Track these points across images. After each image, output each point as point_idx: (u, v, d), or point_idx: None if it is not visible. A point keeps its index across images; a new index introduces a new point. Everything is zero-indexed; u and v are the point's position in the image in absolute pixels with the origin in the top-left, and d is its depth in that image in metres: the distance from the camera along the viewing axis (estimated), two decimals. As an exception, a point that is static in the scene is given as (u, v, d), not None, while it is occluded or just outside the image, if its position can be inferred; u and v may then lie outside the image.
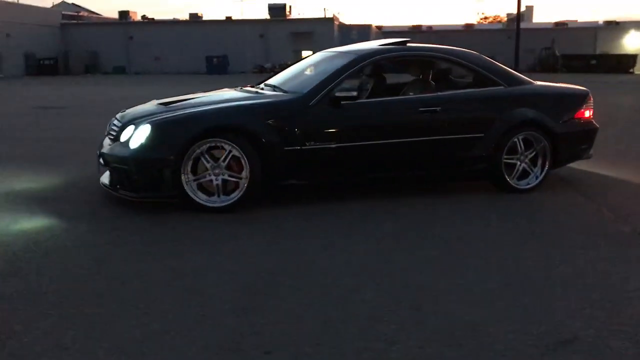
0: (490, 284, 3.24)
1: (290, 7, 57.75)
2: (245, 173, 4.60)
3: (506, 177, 5.44)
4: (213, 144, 4.58)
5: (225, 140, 4.55)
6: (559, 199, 5.36)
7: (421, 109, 5.18)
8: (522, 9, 41.19)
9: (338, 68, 5.16)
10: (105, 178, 4.98)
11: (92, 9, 74.46)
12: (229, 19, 54.93)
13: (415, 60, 5.82)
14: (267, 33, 52.35)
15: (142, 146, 4.56)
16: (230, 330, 2.64)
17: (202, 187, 4.63)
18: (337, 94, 4.88)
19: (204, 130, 4.54)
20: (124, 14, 58.84)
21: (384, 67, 6.07)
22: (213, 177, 4.60)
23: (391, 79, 6.24)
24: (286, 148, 4.73)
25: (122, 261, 3.57)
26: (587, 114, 5.89)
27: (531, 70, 42.32)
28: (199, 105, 4.97)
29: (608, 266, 3.57)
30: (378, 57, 5.42)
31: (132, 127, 4.70)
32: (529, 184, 5.54)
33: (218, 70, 46.94)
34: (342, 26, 48.86)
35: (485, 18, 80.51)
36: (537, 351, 2.48)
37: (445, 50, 5.77)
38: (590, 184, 5.99)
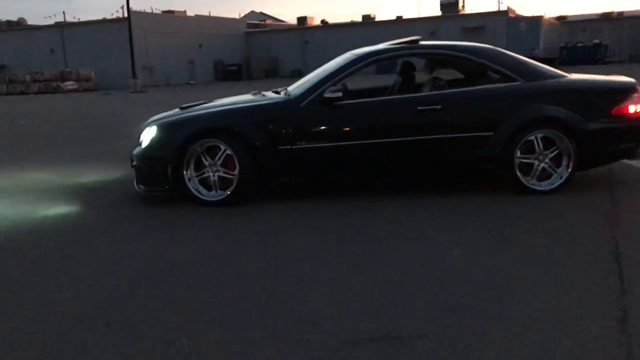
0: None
1: (463, 1, 56.43)
2: (236, 171, 5.01)
3: (520, 177, 5.12)
4: (211, 144, 5.04)
5: (218, 141, 5.00)
6: (579, 202, 4.94)
7: (420, 107, 5.13)
8: None
9: (332, 70, 5.34)
10: None
11: (279, 17, 79.50)
12: (399, 18, 55.30)
13: (423, 59, 5.74)
14: (438, 30, 51.70)
15: (148, 145, 5.17)
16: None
17: (204, 183, 5.12)
18: (327, 95, 5.05)
19: (198, 131, 5.01)
20: (302, 20, 62.27)
21: (391, 66, 6.02)
22: (210, 174, 5.06)
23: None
24: (278, 147, 5.04)
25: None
26: (633, 108, 5.29)
27: None
28: (206, 109, 5.46)
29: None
30: (373, 58, 5.42)
31: (147, 128, 5.37)
32: (552, 184, 5.17)
33: (387, 70, 47.54)
34: (510, 19, 46.43)
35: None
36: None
37: (453, 47, 5.55)
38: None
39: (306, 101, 5.11)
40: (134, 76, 33.67)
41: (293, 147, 5.04)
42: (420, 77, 6.03)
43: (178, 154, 4.98)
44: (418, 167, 5.26)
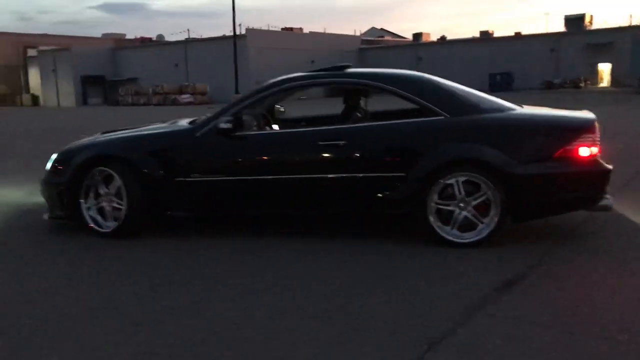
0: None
1: (591, 16, 52.69)
2: (124, 201, 4.80)
3: (434, 225, 4.46)
4: (108, 173, 4.88)
5: (110, 169, 4.81)
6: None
7: (320, 142, 4.63)
8: None
9: (237, 99, 4.96)
10: None
11: (401, 34, 79.02)
12: (517, 34, 52.71)
13: (342, 88, 5.19)
14: (558, 47, 48.73)
15: (48, 171, 5.12)
16: None
17: (103, 212, 4.95)
18: (221, 126, 4.70)
19: (89, 159, 4.84)
20: (417, 36, 61.43)
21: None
22: (105, 204, 4.91)
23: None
24: (172, 179, 4.77)
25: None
26: (584, 151, 4.42)
27: None
28: (109, 136, 5.28)
29: None
30: (280, 87, 4.95)
31: (53, 154, 5.28)
32: (475, 237, 4.43)
33: (501, 87, 45.54)
34: (636, 34, 42.44)
35: None
36: None
37: (374, 76, 4.97)
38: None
39: (202, 131, 4.81)
40: (237, 92, 34.87)
41: (187, 179, 4.76)
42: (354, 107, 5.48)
43: (71, 181, 4.87)
44: (320, 209, 4.75)
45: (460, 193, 4.42)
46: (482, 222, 4.43)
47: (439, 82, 4.87)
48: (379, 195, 4.54)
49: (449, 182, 4.42)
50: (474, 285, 3.67)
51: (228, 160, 4.80)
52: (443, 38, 61.76)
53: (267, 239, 4.77)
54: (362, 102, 5.21)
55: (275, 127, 5.58)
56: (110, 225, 4.87)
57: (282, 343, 2.93)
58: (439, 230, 4.46)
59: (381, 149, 4.61)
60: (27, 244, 4.87)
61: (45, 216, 5.15)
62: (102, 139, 5.24)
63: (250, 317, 3.26)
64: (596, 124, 4.53)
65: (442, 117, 4.56)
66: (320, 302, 3.44)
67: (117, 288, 3.77)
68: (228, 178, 4.75)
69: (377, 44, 62.07)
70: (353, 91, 5.17)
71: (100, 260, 4.38)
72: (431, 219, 4.45)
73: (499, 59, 49.30)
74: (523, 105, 5.10)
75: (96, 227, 4.88)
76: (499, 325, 3.09)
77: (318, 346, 2.89)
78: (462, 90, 4.93)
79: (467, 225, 4.45)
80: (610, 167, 4.55)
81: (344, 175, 4.58)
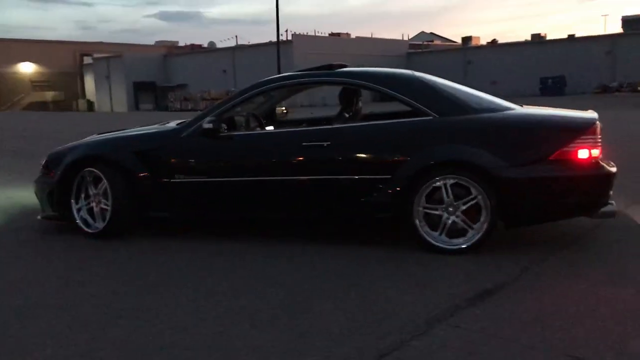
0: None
1: (651, 16, 50.63)
2: (109, 202, 4.76)
3: (420, 230, 4.24)
4: (96, 173, 4.85)
5: (97, 170, 4.79)
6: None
7: (304, 143, 4.47)
8: None
9: (222, 100, 4.87)
10: None
11: (451, 38, 77.90)
12: (571, 37, 51.05)
13: (336, 88, 5.00)
14: (616, 49, 46.89)
15: (41, 172, 5.17)
16: None
17: (92, 213, 4.92)
18: (205, 126, 4.60)
19: (76, 160, 4.84)
20: (466, 40, 60.37)
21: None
22: (93, 205, 4.89)
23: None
24: (157, 180, 4.71)
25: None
26: (583, 153, 4.12)
27: None
28: (102, 137, 5.26)
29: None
30: (265, 87, 4.80)
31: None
32: (464, 243, 4.19)
33: (553, 91, 44.25)
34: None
35: None
36: None
37: (361, 75, 4.77)
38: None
39: (187, 132, 4.74)
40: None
41: (172, 180, 4.70)
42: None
43: (61, 182, 4.88)
44: (304, 212, 4.60)
45: (448, 197, 4.19)
46: (472, 228, 4.19)
47: (431, 82, 4.65)
48: (363, 198, 4.36)
49: (436, 185, 4.20)
50: (448, 294, 3.45)
51: (211, 161, 4.72)
52: (494, 41, 60.41)
53: (246, 242, 4.65)
54: (354, 103, 5.03)
55: (270, 128, 5.47)
56: (99, 226, 4.85)
57: (223, 348, 2.80)
58: (425, 236, 4.24)
59: (366, 150, 4.43)
60: (13, 243, 4.90)
61: (39, 216, 5.18)
62: (91, 139, 5.24)
63: (202, 320, 3.15)
64: (597, 125, 4.23)
65: (431, 118, 4.35)
66: (274, 308, 3.30)
67: (75, 289, 3.73)
68: (211, 179, 4.66)
69: (425, 49, 61.26)
70: (344, 91, 5.00)
71: (75, 260, 4.37)
72: (417, 223, 4.24)
73: (552, 62, 47.84)
74: (523, 105, 4.82)
75: (84, 228, 4.87)
76: (458, 338, 2.88)
77: (258, 353, 2.74)
78: (456, 90, 4.70)
79: (456, 231, 4.22)
80: (613, 170, 4.24)
81: (328, 177, 4.42)
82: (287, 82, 4.95)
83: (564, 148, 4.12)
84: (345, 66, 4.99)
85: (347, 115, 4.92)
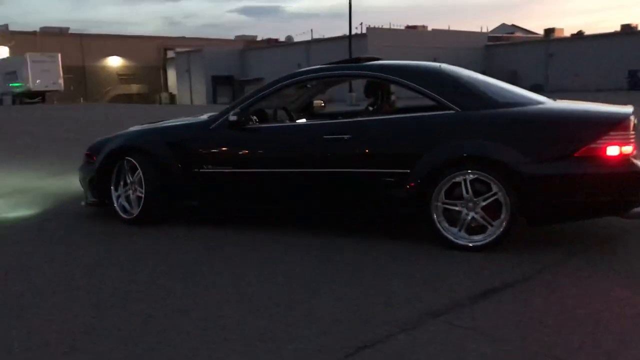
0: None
1: None
2: (143, 190, 4.97)
3: (438, 226, 4.18)
4: (132, 163, 5.08)
5: (133, 159, 5.02)
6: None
7: (326, 136, 4.50)
8: None
9: (249, 92, 4.96)
10: None
11: (534, 30, 75.01)
12: (664, 27, 47.91)
13: (363, 81, 4.96)
14: None
15: (84, 160, 5.47)
16: None
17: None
18: (230, 118, 4.73)
19: (114, 150, 5.11)
20: (548, 32, 57.95)
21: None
22: (130, 192, 5.14)
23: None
24: (187, 170, 4.89)
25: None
26: (612, 150, 3.92)
27: None
28: (141, 128, 5.50)
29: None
30: (290, 80, 4.84)
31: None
32: (483, 240, 4.10)
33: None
34: None
35: None
36: None
37: (387, 68, 4.72)
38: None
39: (216, 124, 4.89)
40: (350, 90, 34.97)
41: (201, 170, 4.86)
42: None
43: (101, 170, 5.16)
44: (323, 206, 4.64)
45: (467, 193, 4.12)
46: (491, 225, 4.09)
47: (455, 75, 4.57)
48: (383, 193, 4.35)
49: (456, 180, 4.14)
50: (452, 291, 3.41)
51: (237, 153, 4.85)
52: (580, 33, 57.64)
53: (266, 233, 4.73)
54: (380, 96, 5.01)
55: (303, 121, 5.54)
56: (135, 212, 5.10)
57: (217, 332, 2.90)
58: (443, 232, 4.19)
59: (386, 144, 4.41)
60: (56, 227, 5.22)
61: (83, 202, 5.50)
62: (132, 130, 5.50)
63: (196, 303, 3.28)
64: (630, 120, 4.01)
65: (453, 112, 4.27)
66: (266, 297, 3.39)
67: (98, 271, 3.95)
68: (236, 170, 4.79)
69: (505, 41, 59.31)
70: (369, 85, 4.98)
71: (106, 245, 4.61)
72: (435, 219, 4.19)
73: (643, 54, 45.14)
74: (556, 100, 4.64)
75: (121, 214, 5.12)
76: (447, 334, 2.85)
77: (240, 341, 2.83)
78: (482, 83, 4.60)
79: (476, 228, 4.14)
80: None
81: (348, 170, 4.44)
82: (312, 75, 4.99)
83: (591, 144, 3.95)
84: (376, 59, 4.97)
85: (371, 109, 4.91)
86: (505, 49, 55.57)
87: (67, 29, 63.81)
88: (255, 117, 4.82)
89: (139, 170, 4.96)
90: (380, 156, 4.40)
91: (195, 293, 3.49)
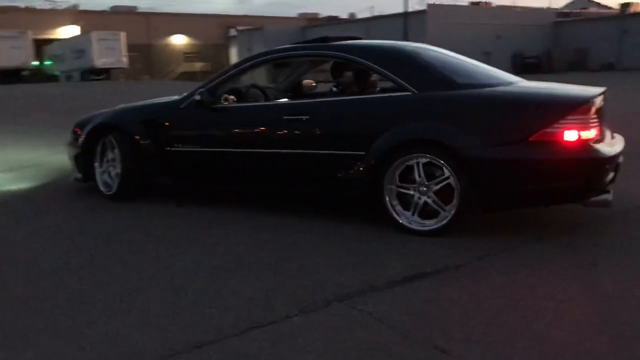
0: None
1: None
2: (119, 167, 5.12)
3: (391, 210, 4.11)
4: (112, 140, 5.22)
5: (111, 137, 5.18)
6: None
7: (285, 117, 4.47)
8: None
9: (218, 72, 4.98)
10: None
11: (611, 5, 71.16)
12: None
13: (321, 61, 4.88)
14: None
15: (71, 137, 5.66)
16: None
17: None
18: (196, 97, 4.77)
19: (95, 128, 5.26)
20: (624, 6, 54.79)
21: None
22: (111, 169, 5.30)
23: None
24: (160, 148, 4.99)
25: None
26: (570, 135, 3.73)
27: None
28: (122, 106, 5.60)
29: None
30: (256, 60, 4.83)
31: None
32: (434, 225, 4.01)
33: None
34: None
35: None
36: None
37: (347, 48, 4.59)
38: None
39: (185, 103, 4.96)
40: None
41: (172, 149, 4.96)
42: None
43: (84, 147, 5.34)
44: (283, 186, 4.64)
45: (419, 176, 4.03)
46: (443, 210, 3.99)
47: (419, 55, 4.44)
48: (340, 175, 4.31)
49: (409, 163, 4.05)
50: (377, 275, 3.36)
51: (204, 132, 4.91)
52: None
53: (224, 211, 4.81)
54: (346, 77, 4.93)
55: (284, 100, 5.53)
56: (114, 188, 5.27)
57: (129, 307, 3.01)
58: (395, 215, 4.12)
59: (342, 125, 4.36)
60: (41, 200, 5.49)
61: (72, 177, 5.73)
62: (116, 108, 5.66)
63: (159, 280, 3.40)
64: (591, 104, 3.80)
65: (409, 93, 4.16)
66: (193, 273, 3.47)
67: (71, 240, 4.16)
68: (203, 149, 4.86)
69: (575, 17, 56.53)
70: (334, 65, 4.91)
71: (84, 217, 4.81)
72: (389, 202, 4.12)
73: None
74: (529, 81, 4.44)
75: (103, 189, 5.31)
76: (341, 318, 2.83)
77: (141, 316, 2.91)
78: (448, 64, 4.45)
79: (429, 212, 4.05)
80: (610, 154, 3.80)
81: (307, 151, 4.42)
82: (277, 55, 4.97)
83: (546, 129, 3.77)
84: (355, 39, 4.90)
85: (335, 90, 4.85)
86: (575, 25, 52.99)
87: (135, 7, 65.67)
88: (232, 97, 4.86)
89: (116, 147, 5.11)
90: (337, 138, 4.35)
91: (195, 259, 3.60)
